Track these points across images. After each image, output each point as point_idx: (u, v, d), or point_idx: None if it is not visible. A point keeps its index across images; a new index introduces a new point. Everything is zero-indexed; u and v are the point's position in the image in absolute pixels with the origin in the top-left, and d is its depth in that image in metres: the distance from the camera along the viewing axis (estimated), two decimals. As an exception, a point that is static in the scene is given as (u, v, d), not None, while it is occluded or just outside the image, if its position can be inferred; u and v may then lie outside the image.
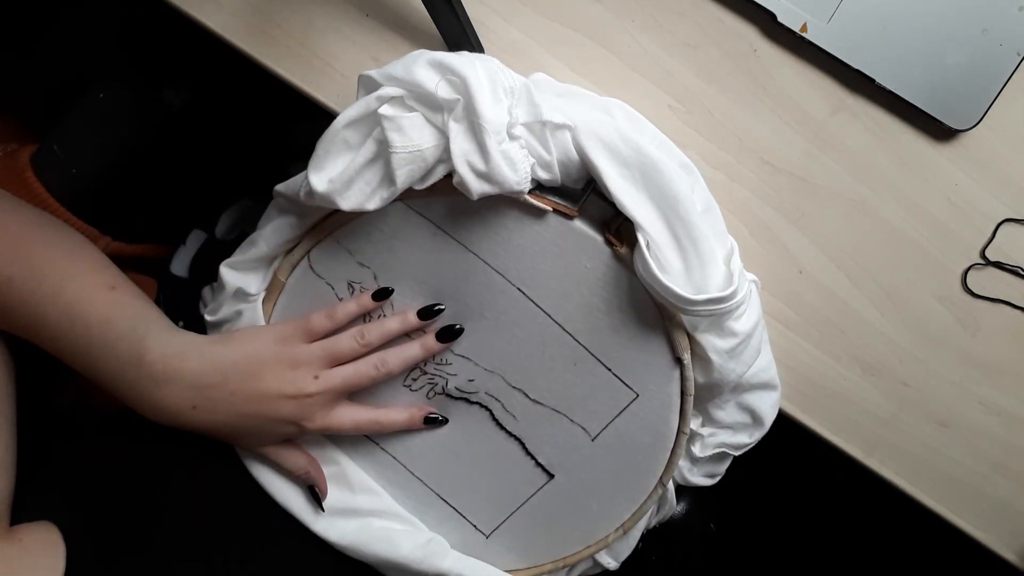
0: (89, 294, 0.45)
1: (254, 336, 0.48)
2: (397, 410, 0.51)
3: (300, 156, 0.65)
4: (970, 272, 0.51)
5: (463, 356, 0.50)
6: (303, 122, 0.69)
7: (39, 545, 0.44)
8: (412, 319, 0.48)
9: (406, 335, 0.49)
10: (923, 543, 0.76)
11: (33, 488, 0.47)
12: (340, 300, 0.50)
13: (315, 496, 0.51)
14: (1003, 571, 0.56)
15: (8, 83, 0.66)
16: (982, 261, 0.51)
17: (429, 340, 0.49)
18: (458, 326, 0.49)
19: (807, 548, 0.87)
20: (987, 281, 0.51)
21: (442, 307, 0.48)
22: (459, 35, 0.45)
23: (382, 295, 0.48)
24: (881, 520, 0.84)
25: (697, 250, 0.43)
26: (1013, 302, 0.51)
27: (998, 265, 0.51)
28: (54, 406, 0.60)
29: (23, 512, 0.45)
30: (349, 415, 0.49)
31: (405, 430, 0.51)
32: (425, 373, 0.51)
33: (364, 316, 0.49)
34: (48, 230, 0.47)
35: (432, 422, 0.51)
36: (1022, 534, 0.55)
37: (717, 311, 0.43)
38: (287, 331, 0.48)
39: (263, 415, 0.46)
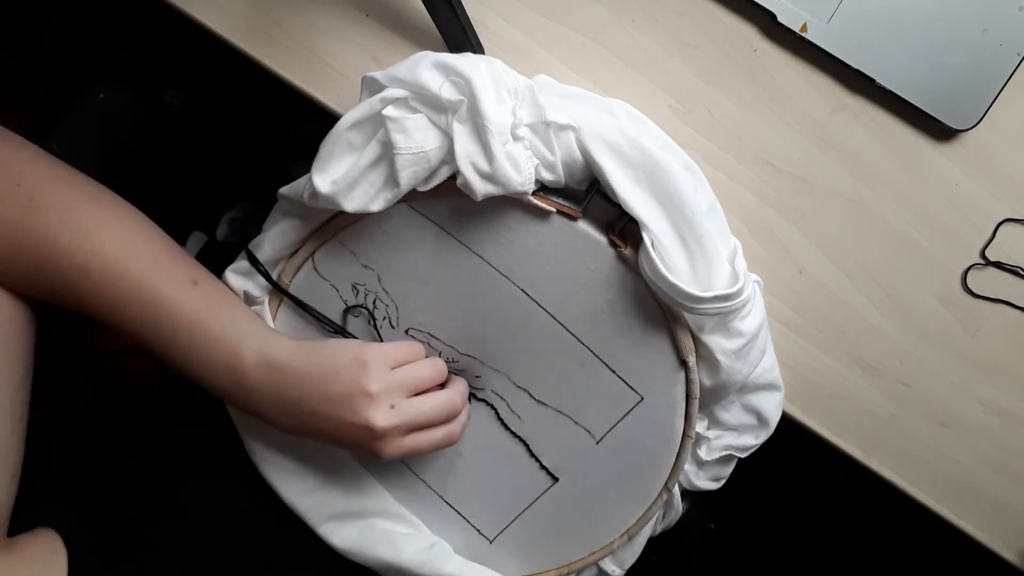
0: (174, 293, 0.44)
1: (339, 351, 0.46)
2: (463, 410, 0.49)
3: (301, 156, 0.65)
4: (970, 272, 0.51)
5: (470, 355, 0.50)
6: (303, 122, 0.69)
7: (41, 554, 0.44)
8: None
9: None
10: (923, 543, 0.76)
11: (35, 495, 0.47)
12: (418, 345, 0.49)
13: None
14: (1003, 571, 0.56)
15: (8, 83, 0.66)
16: (982, 261, 0.51)
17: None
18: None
19: (807, 548, 0.87)
20: (987, 281, 0.51)
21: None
22: (459, 35, 0.45)
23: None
24: (881, 520, 0.84)
25: (702, 249, 0.43)
26: (1013, 302, 0.51)
27: (998, 265, 0.51)
28: (56, 403, 0.60)
29: (25, 519, 0.45)
30: (426, 439, 0.46)
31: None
32: None
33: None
34: (118, 204, 0.46)
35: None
36: (1022, 534, 0.55)
37: (724, 309, 0.43)
38: (373, 355, 0.46)
39: (337, 437, 0.45)
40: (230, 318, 0.45)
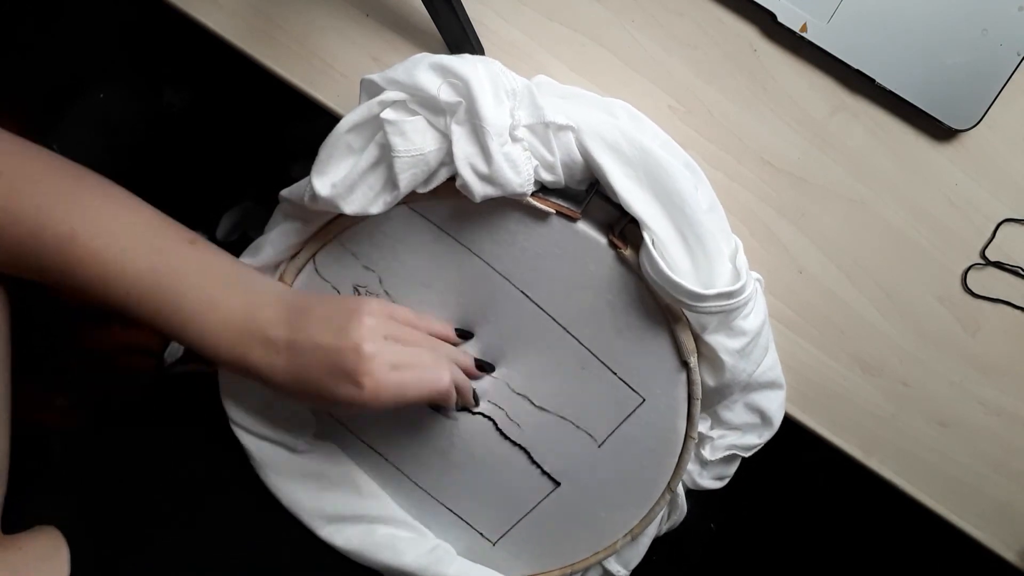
0: (173, 249, 0.43)
1: (346, 296, 0.48)
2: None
3: (300, 157, 0.65)
4: (970, 272, 0.51)
5: None
6: (303, 122, 0.69)
7: (42, 550, 0.44)
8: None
9: None
10: (923, 543, 0.76)
11: (37, 492, 0.47)
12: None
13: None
14: (1003, 571, 0.56)
15: (8, 83, 0.66)
16: (982, 261, 0.51)
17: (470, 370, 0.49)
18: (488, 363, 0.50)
19: (807, 548, 0.87)
20: (987, 281, 0.51)
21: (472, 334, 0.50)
22: (459, 35, 0.45)
23: (465, 336, 0.50)
24: (881, 520, 0.84)
25: (703, 247, 0.43)
26: (1013, 302, 0.51)
27: (998, 265, 0.51)
28: (54, 406, 0.60)
29: (27, 516, 0.45)
30: (412, 376, 0.44)
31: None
32: None
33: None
34: (101, 182, 0.45)
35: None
36: (1022, 534, 0.55)
37: (726, 307, 0.43)
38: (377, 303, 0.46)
39: (326, 368, 0.43)
40: (236, 270, 0.45)
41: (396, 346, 0.44)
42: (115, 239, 0.42)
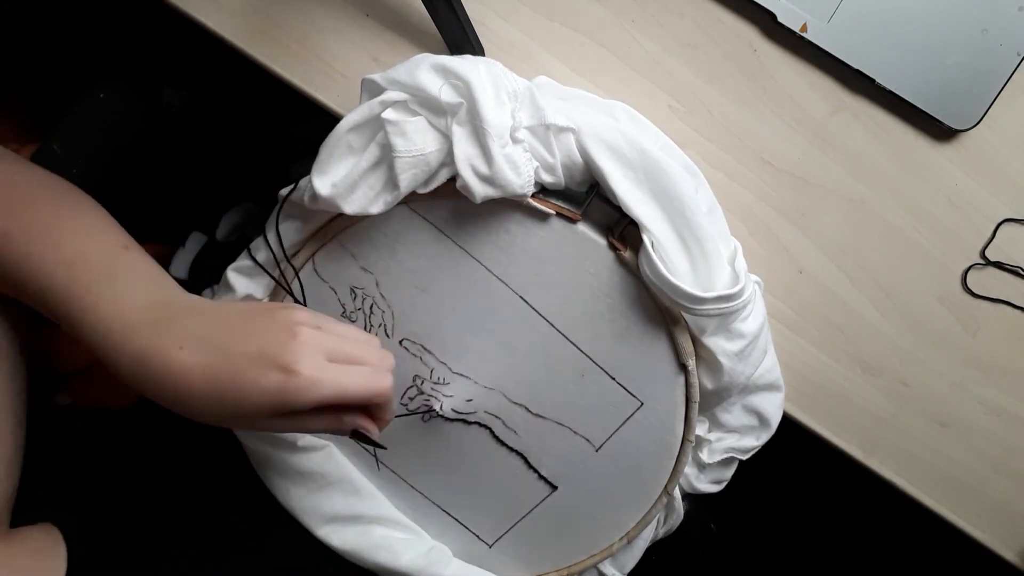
0: (99, 248, 0.41)
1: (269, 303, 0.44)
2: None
3: (300, 157, 0.65)
4: (970, 272, 0.51)
5: (462, 375, 0.50)
6: (303, 122, 0.69)
7: (40, 546, 0.44)
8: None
9: None
10: (923, 543, 0.76)
11: (35, 489, 0.47)
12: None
13: (369, 442, 0.43)
14: (1003, 571, 0.56)
15: (8, 83, 0.66)
16: (982, 261, 0.51)
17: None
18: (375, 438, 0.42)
19: (807, 548, 0.87)
20: (987, 281, 0.51)
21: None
22: (459, 35, 0.45)
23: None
24: (881, 520, 0.84)
25: (703, 250, 0.43)
26: (1013, 302, 0.51)
27: (998, 265, 0.51)
28: (54, 406, 0.60)
29: (25, 513, 0.45)
30: (349, 373, 0.39)
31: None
32: (422, 392, 0.50)
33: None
34: (55, 188, 0.43)
35: (358, 436, 0.42)
36: (1022, 534, 0.55)
37: (725, 310, 0.43)
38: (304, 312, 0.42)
39: (254, 360, 0.38)
40: (161, 273, 0.42)
41: (333, 338, 0.40)
42: (43, 239, 0.40)
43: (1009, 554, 0.55)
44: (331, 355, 0.38)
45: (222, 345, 0.38)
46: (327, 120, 0.48)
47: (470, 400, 0.50)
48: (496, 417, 0.50)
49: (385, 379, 0.40)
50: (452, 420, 0.50)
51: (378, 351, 0.41)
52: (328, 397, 0.37)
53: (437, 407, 0.50)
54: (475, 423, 0.51)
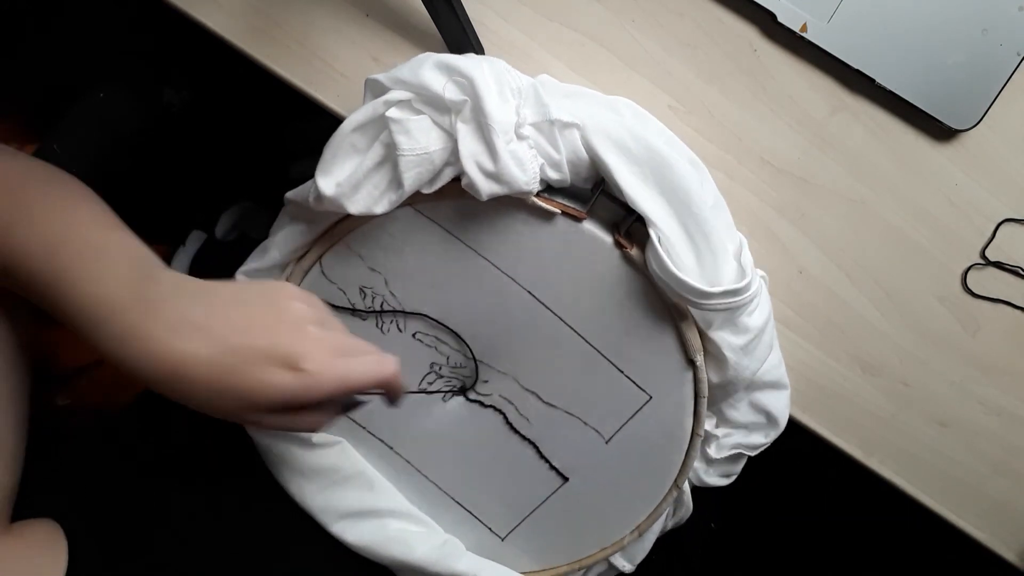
0: (83, 230, 0.38)
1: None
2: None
3: (300, 156, 0.65)
4: (970, 272, 0.51)
5: (477, 359, 0.50)
6: (303, 122, 0.69)
7: (41, 541, 0.44)
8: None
9: None
10: (923, 543, 0.76)
11: (36, 485, 0.47)
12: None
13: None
14: (1003, 571, 0.56)
15: (8, 83, 0.66)
16: (982, 261, 0.51)
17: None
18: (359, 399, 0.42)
19: (807, 547, 0.87)
20: (987, 281, 0.51)
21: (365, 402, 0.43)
22: (459, 35, 0.45)
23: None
24: (881, 520, 0.84)
25: (709, 245, 0.43)
26: (1013, 302, 0.51)
27: (998, 265, 0.51)
28: (54, 406, 0.60)
29: (26, 510, 0.45)
30: (357, 363, 0.39)
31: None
32: (441, 376, 0.51)
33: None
34: (48, 176, 0.41)
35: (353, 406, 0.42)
36: (1022, 534, 0.55)
37: (731, 304, 0.43)
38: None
39: (257, 346, 0.37)
40: (146, 253, 0.40)
41: (333, 331, 0.39)
42: (30, 226, 0.38)
43: (1009, 554, 0.55)
44: (335, 348, 0.38)
45: (222, 336, 0.36)
46: (327, 120, 0.48)
47: (486, 382, 0.51)
48: (510, 403, 0.51)
49: (389, 362, 0.40)
50: (470, 401, 0.51)
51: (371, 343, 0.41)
52: (339, 391, 0.37)
53: (457, 387, 0.51)
54: (490, 407, 0.51)
